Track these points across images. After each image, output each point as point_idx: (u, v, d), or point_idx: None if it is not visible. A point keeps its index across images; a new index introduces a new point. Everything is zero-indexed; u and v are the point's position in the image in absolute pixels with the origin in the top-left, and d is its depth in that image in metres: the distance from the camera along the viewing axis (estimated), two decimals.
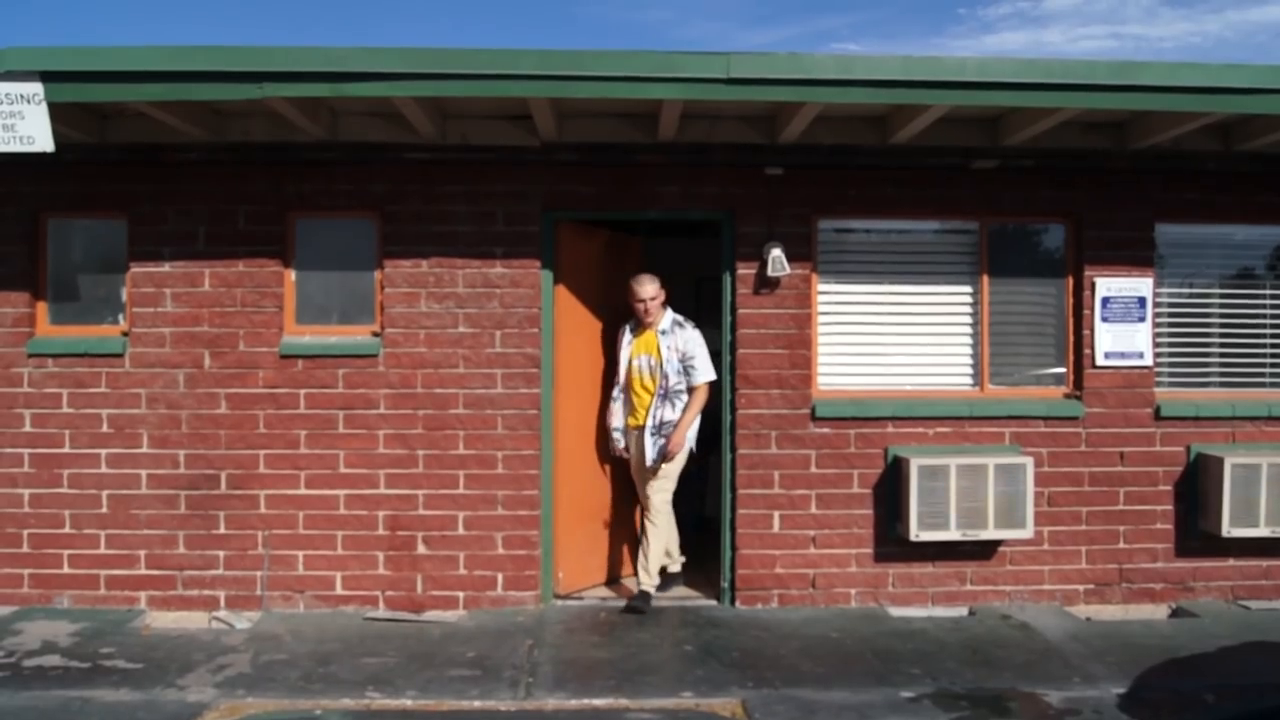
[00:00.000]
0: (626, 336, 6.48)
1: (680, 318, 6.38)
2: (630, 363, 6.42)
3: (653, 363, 6.33)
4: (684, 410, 6.31)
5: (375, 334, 6.32)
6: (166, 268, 6.25)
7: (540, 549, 6.33)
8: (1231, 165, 6.55)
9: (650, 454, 6.31)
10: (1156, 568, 6.54)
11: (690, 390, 6.33)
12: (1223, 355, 6.76)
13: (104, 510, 6.22)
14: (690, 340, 6.30)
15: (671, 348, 6.30)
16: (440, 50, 5.20)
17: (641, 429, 6.37)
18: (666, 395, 6.31)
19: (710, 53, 5.29)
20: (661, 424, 6.31)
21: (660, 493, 6.36)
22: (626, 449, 6.52)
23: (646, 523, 6.38)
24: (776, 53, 5.33)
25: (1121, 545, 6.52)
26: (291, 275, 6.32)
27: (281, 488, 6.24)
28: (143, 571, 6.23)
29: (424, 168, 6.27)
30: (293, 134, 6.04)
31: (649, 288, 6.30)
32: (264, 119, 6.02)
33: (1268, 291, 6.77)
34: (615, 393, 6.54)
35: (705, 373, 6.32)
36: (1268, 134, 6.07)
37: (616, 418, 6.53)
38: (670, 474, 6.38)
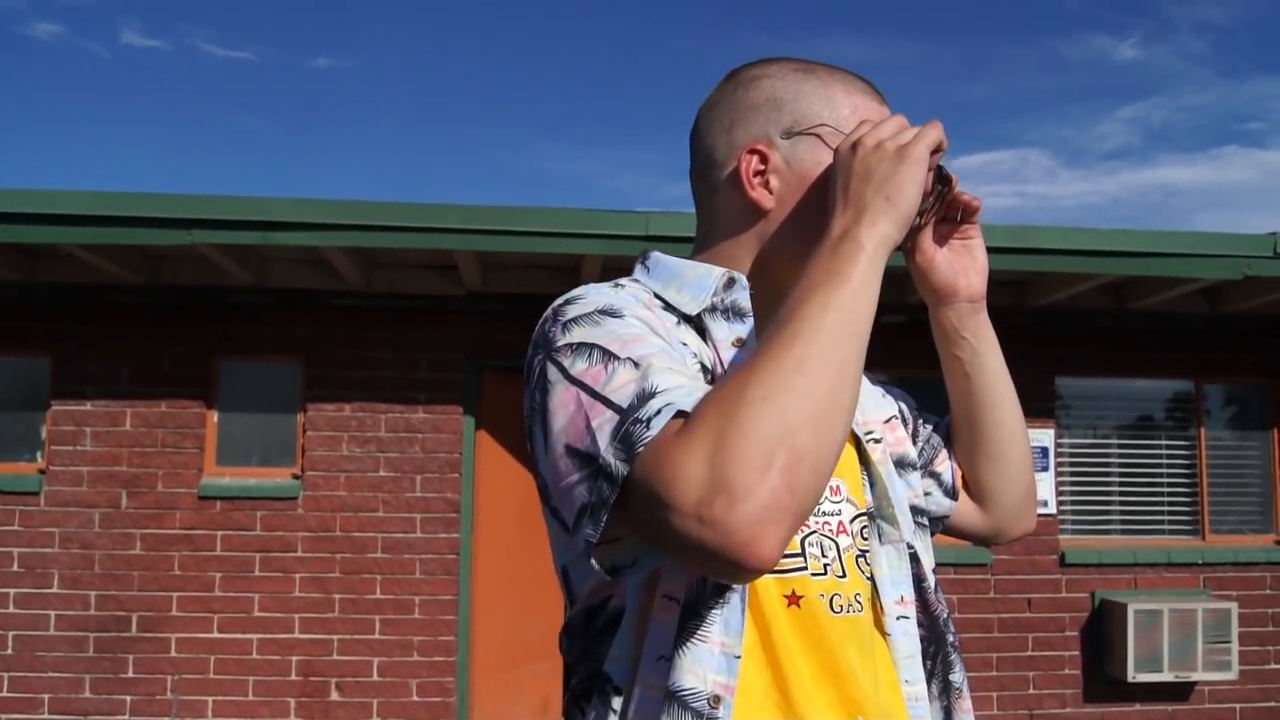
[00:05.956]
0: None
1: None
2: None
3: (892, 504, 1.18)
4: None
5: (295, 476, 6.35)
6: (88, 406, 6.26)
7: (456, 696, 6.28)
8: (1125, 322, 6.91)
9: None
10: (1066, 713, 6.65)
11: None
12: (1123, 502, 7.02)
13: (9, 651, 6.08)
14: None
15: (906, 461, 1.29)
16: (368, 203, 5.40)
17: None
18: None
19: (630, 211, 5.55)
20: None
21: None
22: None
23: None
24: (692, 212, 5.58)
25: (1031, 691, 6.63)
26: (214, 416, 6.36)
27: (193, 631, 6.16)
28: (46, 716, 6.06)
29: (350, 314, 6.41)
30: (221, 278, 6.16)
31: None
32: (193, 263, 6.14)
33: (1164, 441, 7.08)
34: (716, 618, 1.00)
35: None
36: (1158, 293, 6.42)
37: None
38: None
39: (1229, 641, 6.44)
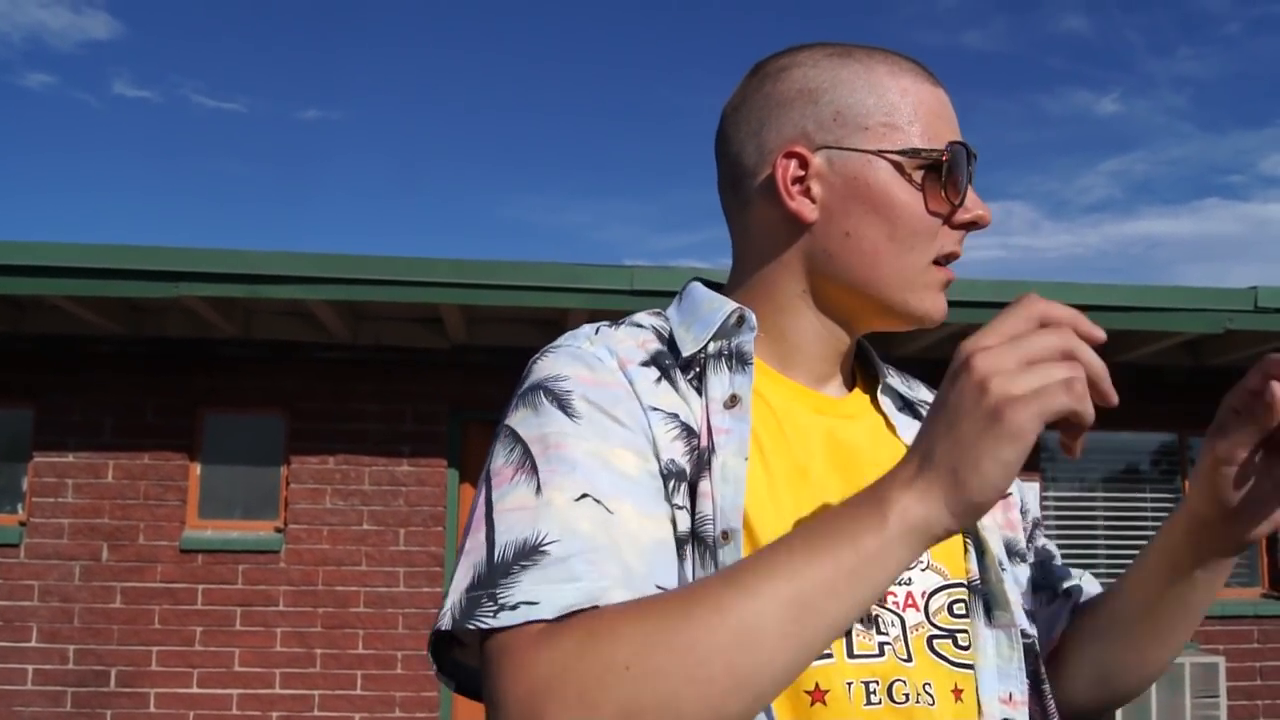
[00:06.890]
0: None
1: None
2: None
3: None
4: None
5: (278, 529, 6.31)
6: (70, 458, 6.23)
7: None
8: (1110, 375, 6.91)
9: None
10: None
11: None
12: (1109, 555, 7.01)
13: None
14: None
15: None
16: (355, 257, 5.42)
17: None
18: None
19: (615, 265, 5.58)
20: None
21: None
22: None
23: None
24: (676, 266, 5.65)
25: None
26: (197, 469, 6.34)
27: (173, 686, 6.09)
28: None
29: (335, 366, 6.40)
30: (207, 330, 6.16)
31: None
32: (179, 315, 6.14)
33: (1149, 494, 7.08)
34: None
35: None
36: (1141, 347, 6.46)
37: None
38: None
39: (1217, 696, 6.40)
